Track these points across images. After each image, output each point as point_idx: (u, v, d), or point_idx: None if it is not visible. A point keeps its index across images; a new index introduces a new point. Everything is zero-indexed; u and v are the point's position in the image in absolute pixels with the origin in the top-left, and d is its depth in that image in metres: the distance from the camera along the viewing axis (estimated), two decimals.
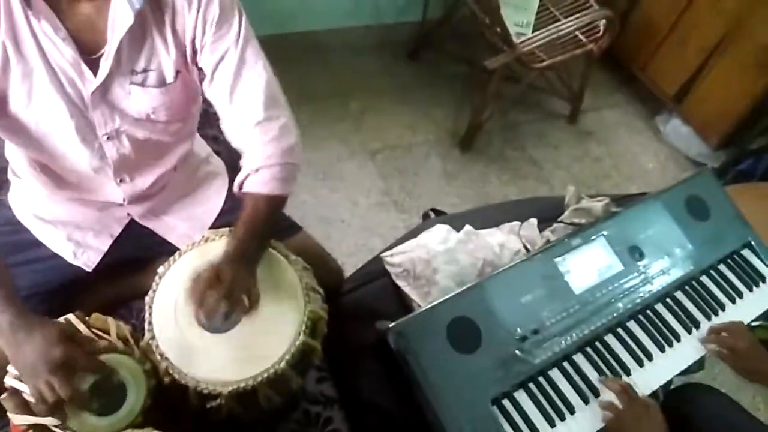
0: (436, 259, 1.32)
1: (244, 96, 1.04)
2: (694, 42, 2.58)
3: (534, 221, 1.44)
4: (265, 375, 0.95)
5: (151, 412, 0.93)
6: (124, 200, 1.17)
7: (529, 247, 1.39)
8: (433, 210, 1.71)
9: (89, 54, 0.95)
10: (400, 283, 1.33)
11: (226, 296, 0.93)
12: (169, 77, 1.02)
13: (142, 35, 0.97)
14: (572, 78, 2.69)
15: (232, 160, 1.09)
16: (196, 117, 1.21)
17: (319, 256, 1.32)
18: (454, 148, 2.55)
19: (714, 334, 1.24)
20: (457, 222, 1.44)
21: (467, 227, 1.41)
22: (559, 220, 1.44)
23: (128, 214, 1.21)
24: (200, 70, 1.05)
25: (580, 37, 2.41)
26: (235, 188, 1.08)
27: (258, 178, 1.05)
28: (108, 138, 1.04)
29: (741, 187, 2.28)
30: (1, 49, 0.90)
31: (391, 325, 1.09)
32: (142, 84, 1.00)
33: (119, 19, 0.93)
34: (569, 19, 2.35)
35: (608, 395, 1.12)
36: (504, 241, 1.37)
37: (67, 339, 0.88)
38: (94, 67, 0.96)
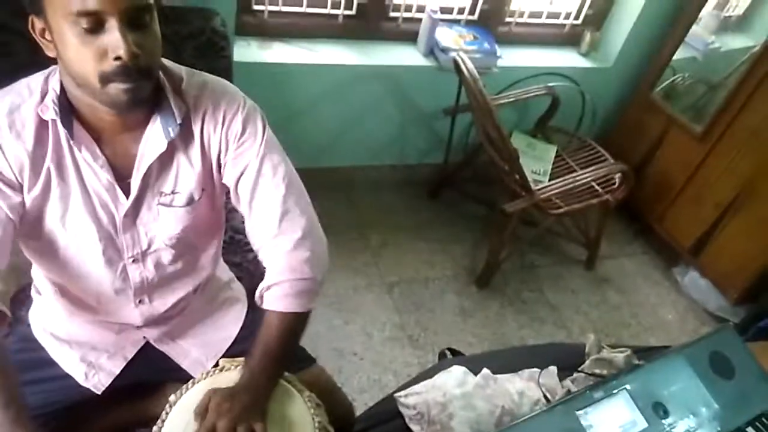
0: (453, 404, 1.27)
1: (261, 209, 1.06)
2: (709, 198, 2.63)
3: (554, 369, 1.40)
4: None
5: None
6: (141, 322, 1.17)
7: (549, 396, 1.34)
8: (450, 349, 1.68)
9: (123, 178, 1.00)
10: (414, 427, 1.27)
11: (235, 423, 0.92)
12: (196, 195, 1.06)
13: (169, 159, 1.02)
14: (589, 225, 2.74)
15: (254, 287, 1.10)
16: (219, 240, 1.24)
17: (331, 392, 1.28)
18: (471, 285, 2.55)
19: None
20: (474, 364, 1.41)
21: (485, 371, 1.38)
22: (579, 369, 1.40)
23: (144, 337, 1.20)
24: (224, 184, 1.08)
25: (596, 187, 2.48)
26: (257, 300, 1.08)
27: (270, 295, 1.05)
28: (133, 261, 1.07)
29: (763, 345, 2.22)
30: (45, 174, 0.96)
31: None
32: (170, 204, 1.04)
33: (152, 145, 0.99)
34: (585, 171, 2.44)
35: None
36: (523, 388, 1.33)
37: None
38: (126, 190, 1.01)
